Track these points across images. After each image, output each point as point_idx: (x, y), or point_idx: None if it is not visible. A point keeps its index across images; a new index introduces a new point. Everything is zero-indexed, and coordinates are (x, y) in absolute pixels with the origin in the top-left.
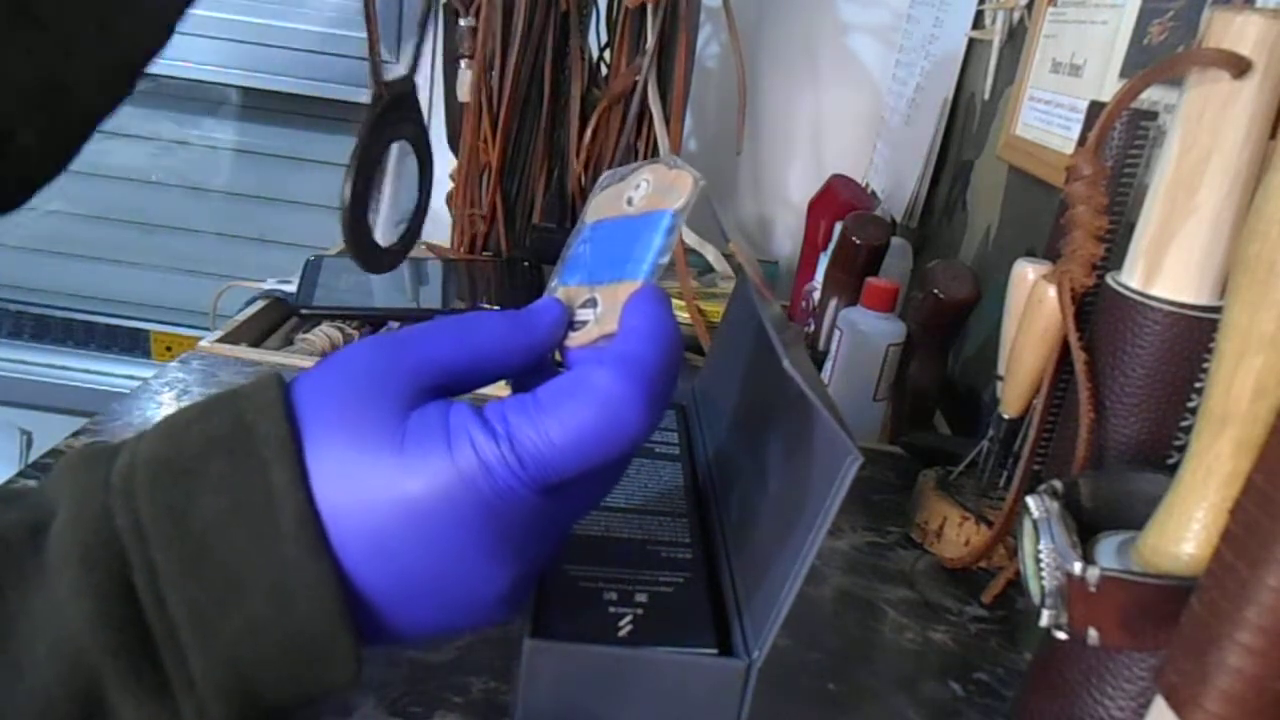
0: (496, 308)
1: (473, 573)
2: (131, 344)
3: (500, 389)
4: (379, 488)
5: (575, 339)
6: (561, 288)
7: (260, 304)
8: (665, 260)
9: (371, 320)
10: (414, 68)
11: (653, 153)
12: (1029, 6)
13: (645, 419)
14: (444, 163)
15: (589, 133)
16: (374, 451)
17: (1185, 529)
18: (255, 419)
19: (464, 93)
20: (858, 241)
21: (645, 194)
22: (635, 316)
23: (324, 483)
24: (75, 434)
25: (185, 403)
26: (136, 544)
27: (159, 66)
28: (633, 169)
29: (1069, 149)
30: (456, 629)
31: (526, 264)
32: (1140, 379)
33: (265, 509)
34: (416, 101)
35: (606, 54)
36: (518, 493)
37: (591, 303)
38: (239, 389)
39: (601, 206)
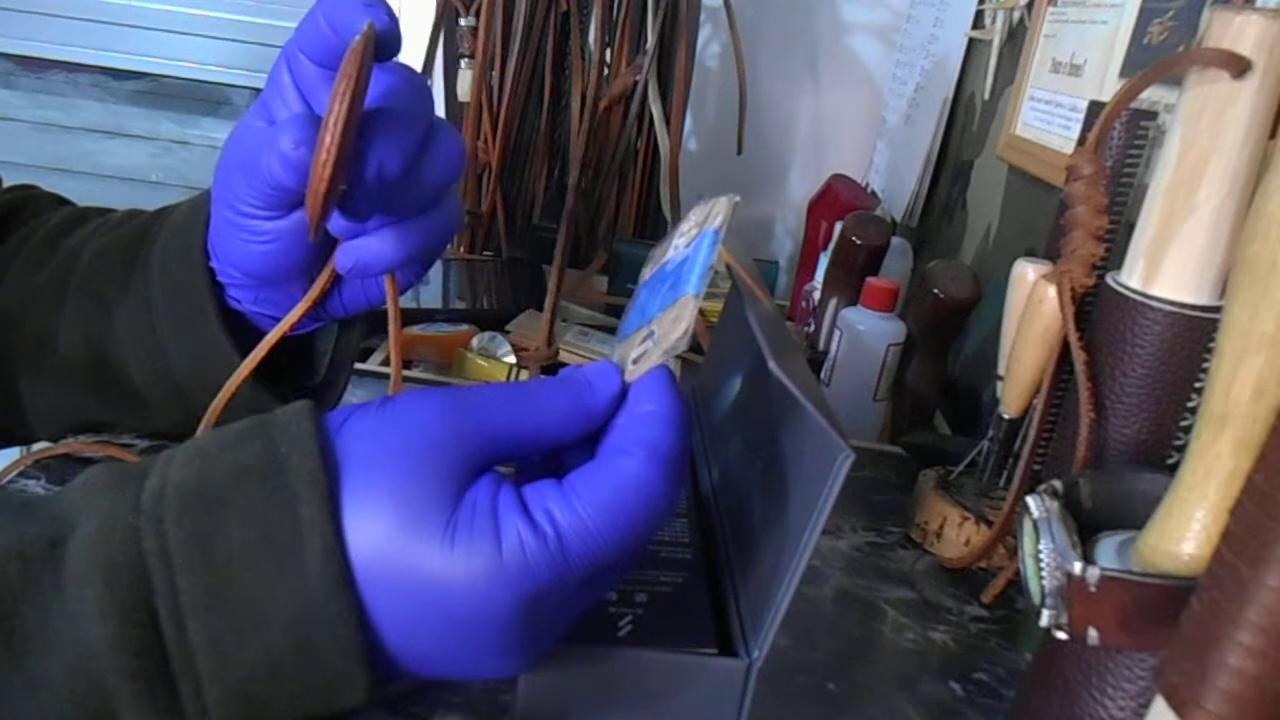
0: (494, 308)
1: (491, 658)
2: None
3: None
4: (420, 571)
5: (636, 371)
6: (618, 348)
7: None
8: (710, 275)
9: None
10: None
11: (653, 152)
12: (1029, 6)
13: (673, 500)
14: None
15: (587, 133)
16: (422, 534)
17: (1185, 529)
18: (289, 451)
19: (464, 92)
20: (858, 241)
21: (690, 232)
22: (649, 401)
23: (361, 543)
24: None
25: None
26: (162, 568)
27: (159, 66)
28: (674, 228)
29: (1069, 149)
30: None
31: (527, 264)
32: (1140, 379)
33: (292, 541)
34: None
35: (607, 54)
36: (554, 591)
37: (649, 335)
38: (272, 417)
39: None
